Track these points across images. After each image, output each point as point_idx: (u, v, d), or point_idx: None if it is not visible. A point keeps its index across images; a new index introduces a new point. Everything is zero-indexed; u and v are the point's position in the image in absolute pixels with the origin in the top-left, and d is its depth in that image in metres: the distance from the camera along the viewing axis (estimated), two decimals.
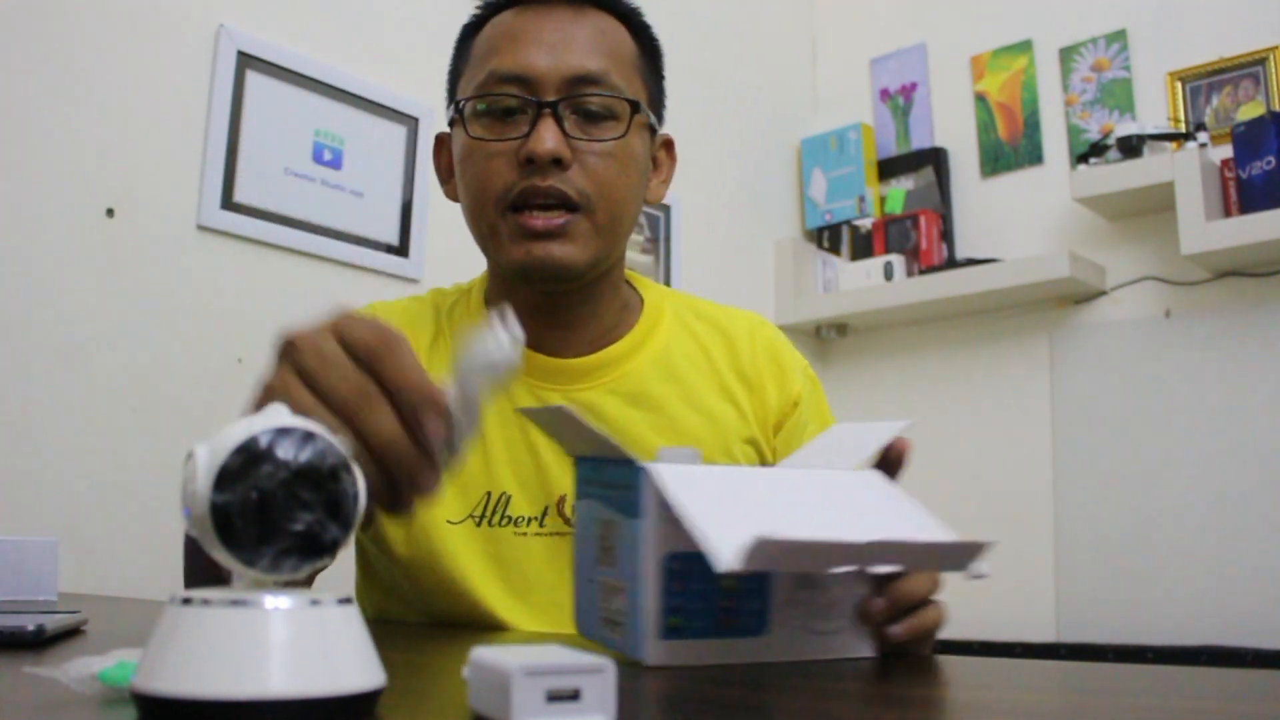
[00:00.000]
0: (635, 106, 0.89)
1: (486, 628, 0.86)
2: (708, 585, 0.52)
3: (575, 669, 0.33)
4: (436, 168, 0.99)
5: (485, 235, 0.89)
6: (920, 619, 0.59)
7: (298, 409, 0.43)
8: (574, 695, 0.34)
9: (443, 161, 0.98)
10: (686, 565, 0.51)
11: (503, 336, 0.46)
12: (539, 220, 0.85)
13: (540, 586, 0.87)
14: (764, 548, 0.44)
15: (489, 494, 0.88)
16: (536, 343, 0.90)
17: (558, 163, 0.85)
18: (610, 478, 0.54)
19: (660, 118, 0.97)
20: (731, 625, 0.53)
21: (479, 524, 0.88)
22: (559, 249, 0.85)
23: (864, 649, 0.57)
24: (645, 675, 0.49)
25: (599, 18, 0.91)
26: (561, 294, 0.91)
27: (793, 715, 0.42)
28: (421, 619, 0.90)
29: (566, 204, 0.86)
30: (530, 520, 0.88)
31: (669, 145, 1.00)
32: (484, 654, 0.36)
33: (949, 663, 0.57)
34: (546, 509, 0.88)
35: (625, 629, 0.52)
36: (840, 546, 0.46)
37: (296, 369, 0.47)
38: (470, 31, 0.95)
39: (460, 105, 0.89)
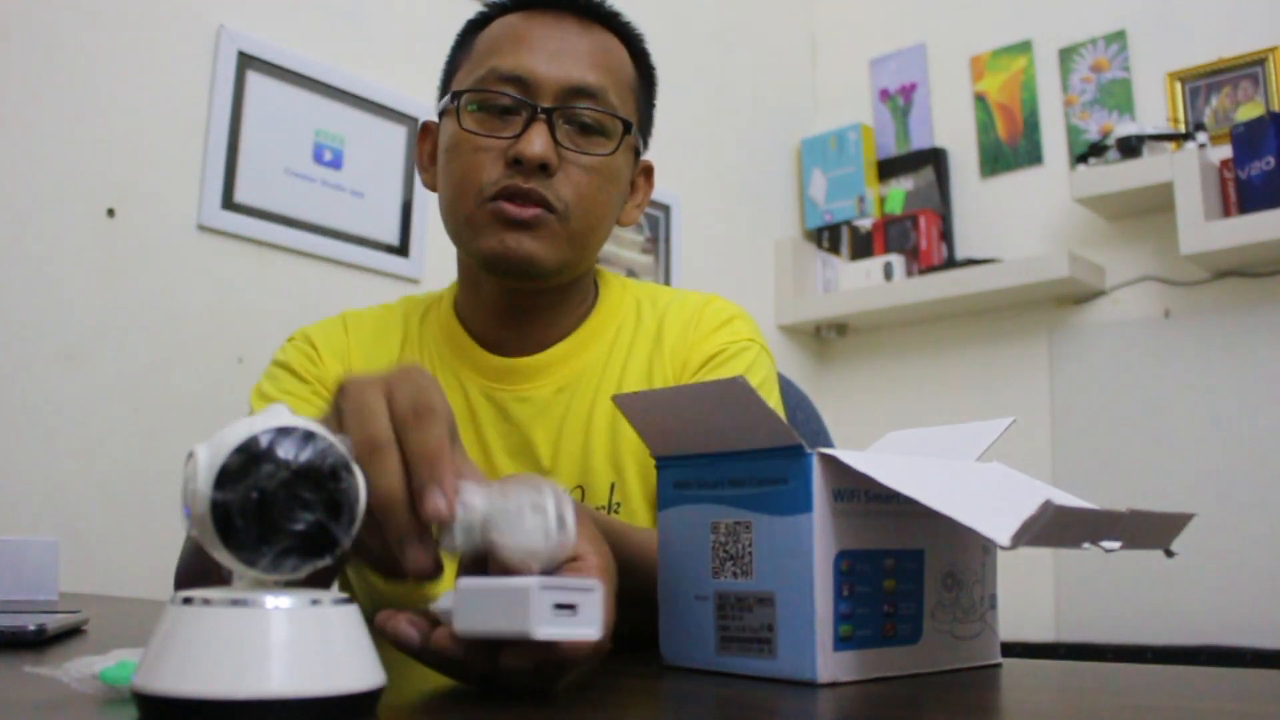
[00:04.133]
0: (627, 126, 0.90)
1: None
2: (873, 588, 0.47)
3: (576, 587, 0.40)
4: (419, 154, 1.00)
5: (460, 225, 0.89)
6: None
7: None
8: (573, 609, 0.40)
9: (425, 149, 0.99)
10: (855, 565, 0.47)
11: (551, 521, 0.43)
12: (515, 208, 0.85)
13: None
14: (1052, 517, 0.38)
15: None
16: (495, 342, 0.93)
17: (544, 168, 0.85)
18: (745, 473, 0.49)
19: (646, 144, 0.99)
20: (892, 633, 0.49)
21: None
22: (531, 242, 0.86)
23: (996, 655, 0.54)
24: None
25: (604, 36, 0.93)
26: (527, 293, 0.92)
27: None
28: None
29: (544, 207, 0.86)
30: None
31: (648, 172, 1.01)
32: (475, 581, 0.41)
33: None
34: None
35: (779, 645, 0.47)
36: (1108, 516, 0.42)
37: (336, 410, 0.47)
38: (475, 27, 0.95)
39: (456, 96, 0.90)
